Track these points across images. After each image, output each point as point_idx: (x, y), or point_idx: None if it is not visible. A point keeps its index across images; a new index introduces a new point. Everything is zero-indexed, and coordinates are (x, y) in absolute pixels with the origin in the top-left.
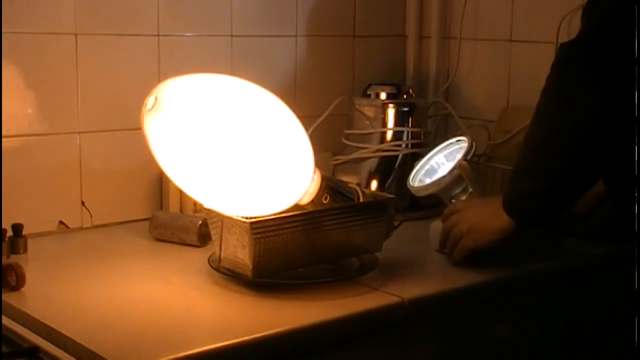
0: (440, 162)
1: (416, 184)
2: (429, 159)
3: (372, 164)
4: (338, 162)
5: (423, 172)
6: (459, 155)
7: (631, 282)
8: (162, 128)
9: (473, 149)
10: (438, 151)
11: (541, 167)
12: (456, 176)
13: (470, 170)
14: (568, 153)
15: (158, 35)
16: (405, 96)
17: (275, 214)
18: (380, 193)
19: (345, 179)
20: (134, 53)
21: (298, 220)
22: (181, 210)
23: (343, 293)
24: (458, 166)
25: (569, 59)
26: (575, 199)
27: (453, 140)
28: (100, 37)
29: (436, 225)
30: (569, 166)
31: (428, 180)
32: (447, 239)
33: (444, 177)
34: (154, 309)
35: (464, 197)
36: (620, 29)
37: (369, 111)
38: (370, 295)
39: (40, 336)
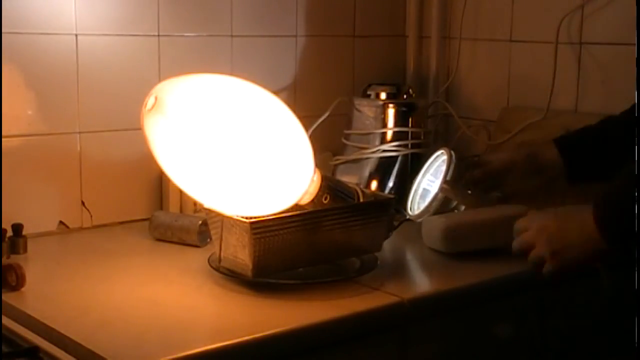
0: (430, 182)
1: (415, 210)
2: (419, 183)
3: (372, 164)
4: (338, 162)
5: (418, 197)
6: (444, 168)
7: (631, 282)
8: (162, 128)
9: (453, 164)
10: (424, 172)
11: None
12: (442, 198)
13: (452, 190)
14: None
15: (158, 35)
16: (405, 96)
17: (275, 214)
18: (380, 193)
19: (345, 179)
20: (134, 53)
21: (298, 220)
22: (181, 210)
23: (343, 293)
24: (441, 190)
25: None
26: None
27: (435, 155)
28: (100, 37)
29: (430, 220)
30: None
31: (423, 205)
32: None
33: (432, 201)
34: (154, 309)
35: (463, 208)
36: None
37: (369, 111)
38: (370, 295)
39: (40, 336)
